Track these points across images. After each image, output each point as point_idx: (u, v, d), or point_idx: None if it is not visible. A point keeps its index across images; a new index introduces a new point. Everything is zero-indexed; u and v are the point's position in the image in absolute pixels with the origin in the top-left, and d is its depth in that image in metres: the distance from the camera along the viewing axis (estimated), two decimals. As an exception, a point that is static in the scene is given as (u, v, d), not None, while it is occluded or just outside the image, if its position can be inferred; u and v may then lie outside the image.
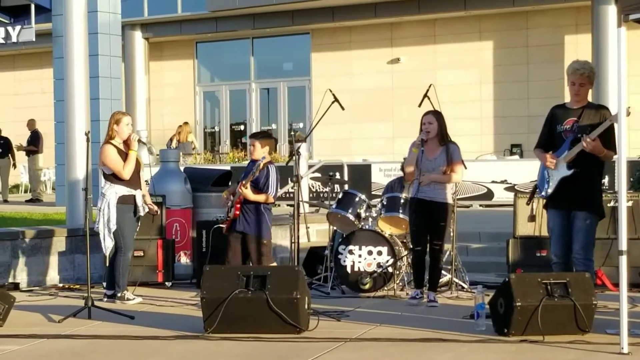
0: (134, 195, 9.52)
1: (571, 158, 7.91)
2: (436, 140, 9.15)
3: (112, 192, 9.45)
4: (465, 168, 9.96)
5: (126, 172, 9.44)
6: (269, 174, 9.38)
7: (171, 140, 23.92)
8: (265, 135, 9.92)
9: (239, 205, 9.40)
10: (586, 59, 8.53)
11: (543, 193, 8.20)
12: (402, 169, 9.69)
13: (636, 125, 19.82)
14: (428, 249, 9.23)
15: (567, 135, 8.02)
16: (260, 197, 9.37)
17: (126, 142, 9.59)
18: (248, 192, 9.33)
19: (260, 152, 9.50)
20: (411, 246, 9.41)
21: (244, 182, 9.32)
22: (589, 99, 8.20)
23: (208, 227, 10.83)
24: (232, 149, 25.57)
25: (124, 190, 9.48)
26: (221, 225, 9.82)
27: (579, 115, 7.99)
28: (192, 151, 23.67)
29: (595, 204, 7.99)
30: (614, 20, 20.38)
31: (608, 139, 7.86)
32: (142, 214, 9.59)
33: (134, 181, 9.51)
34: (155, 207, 9.87)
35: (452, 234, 10.04)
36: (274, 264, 9.53)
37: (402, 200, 9.96)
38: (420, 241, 9.20)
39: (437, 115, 9.22)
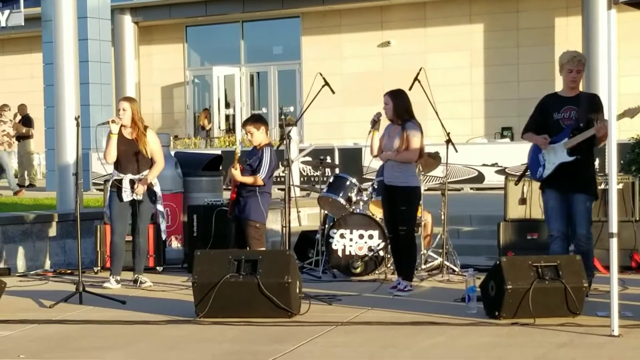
0: (122, 179, 9.50)
1: (574, 145, 8.06)
2: (395, 120, 9.02)
3: (111, 176, 9.57)
4: (456, 151, 9.99)
5: (106, 157, 9.47)
6: (262, 156, 9.31)
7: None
8: (256, 118, 9.82)
9: (235, 188, 9.40)
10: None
11: (537, 176, 8.32)
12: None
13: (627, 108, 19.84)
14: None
15: (565, 122, 8.17)
16: (248, 179, 9.28)
17: (131, 127, 9.55)
18: (236, 173, 9.29)
19: (258, 135, 9.43)
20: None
21: (233, 164, 9.29)
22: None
23: (199, 212, 10.83)
24: (222, 133, 25.53)
25: (115, 174, 9.55)
26: (225, 208, 9.83)
27: (577, 104, 8.15)
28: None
29: (593, 186, 8.25)
30: (604, 3, 20.36)
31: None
32: (124, 199, 9.46)
33: (124, 165, 9.50)
34: (140, 190, 9.48)
35: (443, 218, 10.06)
36: (264, 249, 9.50)
37: (393, 184, 9.93)
38: (390, 227, 9.11)
39: (393, 95, 9.00)
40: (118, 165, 9.52)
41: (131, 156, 9.49)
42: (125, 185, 9.46)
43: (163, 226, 9.87)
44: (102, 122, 9.84)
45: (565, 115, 8.16)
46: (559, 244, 8.17)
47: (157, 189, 9.66)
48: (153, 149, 9.58)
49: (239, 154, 9.32)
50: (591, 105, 8.14)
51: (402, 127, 8.88)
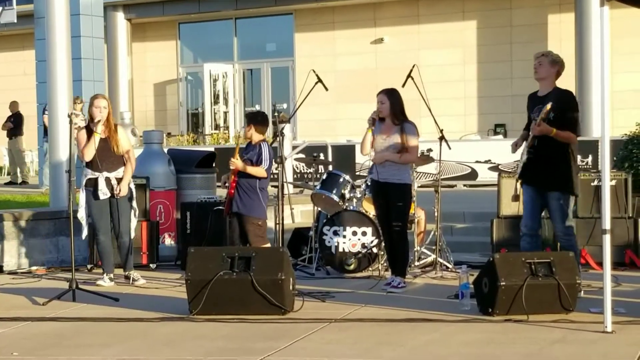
0: (97, 178, 9.48)
1: (529, 144, 8.10)
2: (390, 119, 9.04)
3: (83, 175, 9.52)
4: (450, 148, 10.00)
5: (83, 154, 9.43)
6: (261, 150, 9.25)
7: None
8: (251, 117, 9.77)
9: (234, 184, 9.34)
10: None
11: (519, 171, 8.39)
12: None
13: (620, 104, 19.90)
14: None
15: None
16: (251, 169, 9.20)
17: (104, 124, 9.52)
18: (237, 162, 9.20)
19: (248, 131, 9.42)
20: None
21: (234, 155, 9.24)
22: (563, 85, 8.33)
23: (192, 209, 10.81)
24: (215, 130, 25.53)
25: (89, 173, 9.51)
26: (220, 207, 9.74)
27: (544, 102, 8.09)
28: None
29: (567, 184, 8.08)
30: (596, 0, 20.41)
31: (566, 121, 8.00)
32: (101, 197, 9.42)
33: (100, 163, 9.45)
34: (120, 190, 9.47)
35: (436, 214, 10.07)
36: (268, 244, 9.44)
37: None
38: (384, 224, 9.13)
39: (389, 94, 9.02)
40: (92, 164, 9.48)
41: (105, 154, 9.46)
42: (101, 183, 9.44)
43: (134, 223, 9.78)
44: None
45: (536, 115, 8.11)
46: (526, 241, 8.18)
47: (131, 185, 9.66)
48: (125, 147, 9.55)
49: (240, 146, 9.31)
50: (558, 101, 8.00)
51: (401, 129, 8.92)
